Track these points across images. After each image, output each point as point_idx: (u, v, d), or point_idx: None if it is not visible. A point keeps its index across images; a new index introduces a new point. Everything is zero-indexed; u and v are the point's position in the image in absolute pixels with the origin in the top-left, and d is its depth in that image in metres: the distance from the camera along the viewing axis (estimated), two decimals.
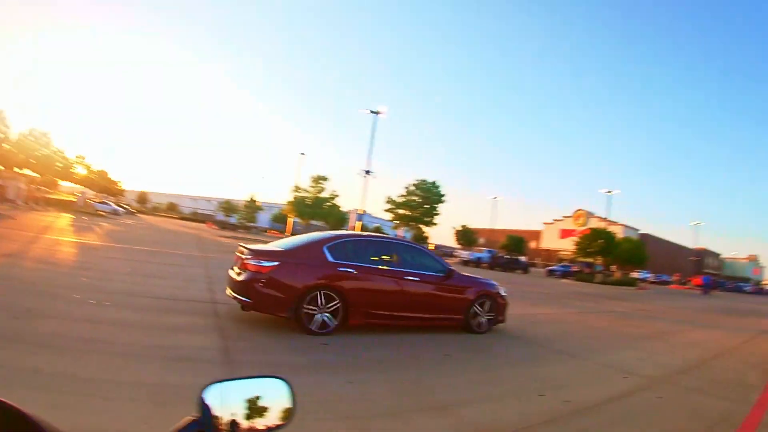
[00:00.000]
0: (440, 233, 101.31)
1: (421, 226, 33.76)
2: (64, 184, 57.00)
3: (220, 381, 0.87)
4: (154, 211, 77.29)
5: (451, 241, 55.43)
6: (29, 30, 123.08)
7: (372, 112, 29.89)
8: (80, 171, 55.51)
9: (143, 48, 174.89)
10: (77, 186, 56.72)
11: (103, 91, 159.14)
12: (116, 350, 4.26)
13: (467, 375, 4.73)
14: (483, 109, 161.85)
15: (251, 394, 0.86)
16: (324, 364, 4.57)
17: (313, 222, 34.83)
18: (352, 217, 29.36)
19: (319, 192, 36.22)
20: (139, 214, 57.54)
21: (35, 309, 5.30)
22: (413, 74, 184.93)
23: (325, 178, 36.83)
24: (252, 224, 53.45)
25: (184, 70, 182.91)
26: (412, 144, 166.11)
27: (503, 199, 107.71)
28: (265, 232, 60.27)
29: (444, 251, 48.12)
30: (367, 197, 31.77)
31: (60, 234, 17.03)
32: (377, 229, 76.64)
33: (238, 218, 58.40)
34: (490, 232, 59.80)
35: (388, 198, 33.56)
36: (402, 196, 33.41)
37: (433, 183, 33.43)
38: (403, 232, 33.87)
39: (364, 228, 29.61)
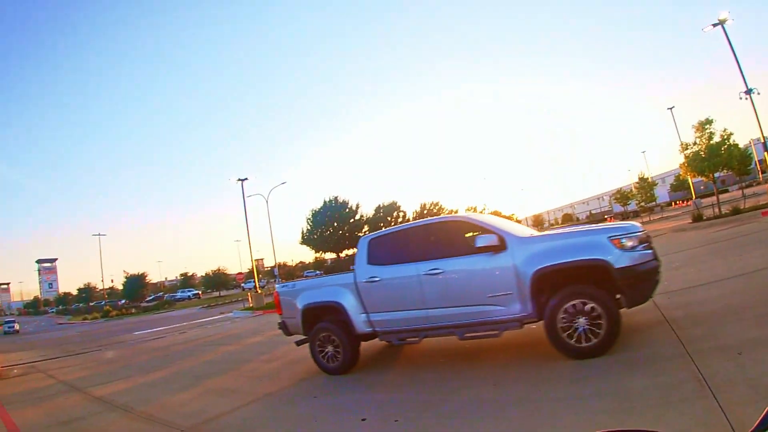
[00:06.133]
0: None
1: None
2: None
3: None
4: (552, 226, 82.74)
5: None
6: None
7: None
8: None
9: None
10: None
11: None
12: None
13: None
14: None
15: None
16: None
17: (717, 174, 29.32)
18: (756, 150, 22.85)
19: (710, 139, 30.48)
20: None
21: None
22: None
23: (710, 121, 30.85)
24: (652, 203, 49.15)
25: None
26: None
27: None
28: (669, 206, 54.34)
29: None
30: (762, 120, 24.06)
31: None
32: None
33: (637, 202, 55.22)
34: None
35: None
36: None
37: None
38: None
39: None
